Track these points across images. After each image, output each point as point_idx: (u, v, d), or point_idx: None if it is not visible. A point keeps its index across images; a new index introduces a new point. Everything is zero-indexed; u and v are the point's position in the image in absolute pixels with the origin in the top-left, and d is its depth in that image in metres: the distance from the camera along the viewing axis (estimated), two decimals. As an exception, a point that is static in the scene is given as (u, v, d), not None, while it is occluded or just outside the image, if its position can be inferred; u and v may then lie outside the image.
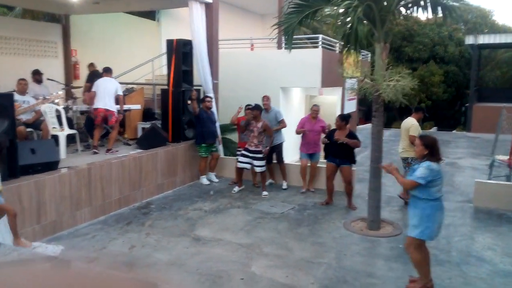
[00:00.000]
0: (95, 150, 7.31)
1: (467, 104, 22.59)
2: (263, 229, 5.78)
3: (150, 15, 13.64)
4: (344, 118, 6.85)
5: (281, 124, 7.94)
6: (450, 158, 13.49)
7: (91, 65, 9.71)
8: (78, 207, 5.86)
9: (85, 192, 5.98)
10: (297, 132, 7.74)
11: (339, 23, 5.48)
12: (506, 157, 8.98)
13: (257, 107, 7.46)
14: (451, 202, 7.74)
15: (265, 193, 7.48)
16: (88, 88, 8.48)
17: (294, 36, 6.56)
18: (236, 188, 7.68)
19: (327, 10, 5.70)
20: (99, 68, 8.82)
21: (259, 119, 7.39)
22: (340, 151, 6.70)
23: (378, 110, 5.75)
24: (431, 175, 3.92)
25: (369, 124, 24.96)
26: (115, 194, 6.53)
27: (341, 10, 5.28)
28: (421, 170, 3.96)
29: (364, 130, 19.84)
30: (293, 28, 6.11)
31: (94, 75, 9.22)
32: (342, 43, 6.09)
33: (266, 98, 8.06)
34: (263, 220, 6.15)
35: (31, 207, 5.20)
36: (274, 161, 8.09)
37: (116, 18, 11.74)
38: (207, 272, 4.49)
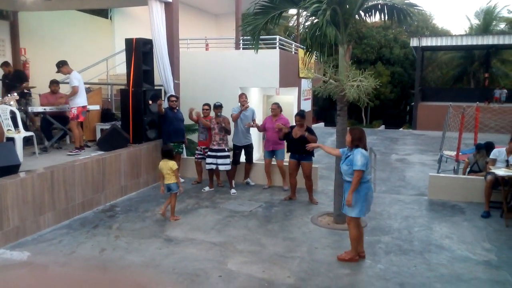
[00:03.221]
0: (82, 150, 7.43)
1: (412, 103, 23.91)
2: (234, 227, 5.85)
3: (103, 13, 13.27)
4: (303, 116, 7.17)
5: (254, 122, 7.99)
6: (399, 155, 14.25)
7: (6, 64, 8.97)
8: (42, 212, 5.64)
9: (48, 196, 5.76)
10: (259, 130, 8.09)
11: (307, 25, 5.65)
12: (453, 153, 9.65)
13: (216, 106, 7.67)
14: (405, 195, 8.23)
15: (233, 190, 7.57)
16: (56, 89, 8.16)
17: (249, 37, 6.67)
18: (207, 188, 7.72)
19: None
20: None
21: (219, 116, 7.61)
22: (299, 147, 6.87)
23: (342, 110, 6.00)
24: (365, 160, 4.54)
25: (321, 123, 25.63)
26: (79, 198, 6.33)
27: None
28: (359, 158, 4.51)
29: (317, 129, 20.42)
30: (259, 30, 6.23)
31: (19, 75, 8.85)
32: (304, 46, 6.30)
33: (245, 96, 8.09)
34: (232, 218, 6.23)
35: (-7, 213, 4.95)
36: (242, 161, 8.18)
37: (67, 16, 11.34)
38: (184, 271, 4.50)
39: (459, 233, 5.68)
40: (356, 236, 4.71)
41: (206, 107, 7.92)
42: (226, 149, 7.62)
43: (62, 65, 7.36)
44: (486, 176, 6.69)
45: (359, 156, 4.54)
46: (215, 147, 7.56)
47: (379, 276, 4.43)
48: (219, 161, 7.57)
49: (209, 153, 7.63)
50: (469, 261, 4.78)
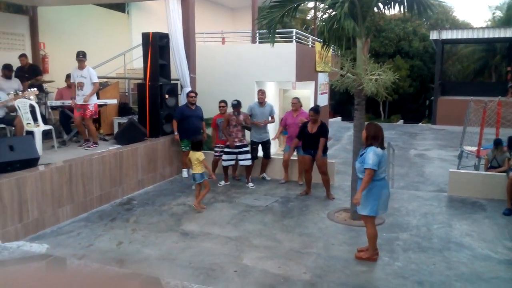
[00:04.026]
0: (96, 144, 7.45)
1: (431, 98, 23.48)
2: (249, 222, 5.84)
3: (120, 7, 13.32)
4: (318, 111, 7.06)
5: (272, 118, 8.07)
6: (418, 150, 14.01)
7: (24, 56, 8.87)
8: (60, 204, 5.72)
9: (67, 189, 5.84)
10: (282, 128, 8.06)
11: (324, 18, 5.56)
12: (474, 148, 9.43)
13: (238, 104, 7.51)
14: (424, 191, 8.09)
15: (251, 184, 7.60)
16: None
17: (265, 31, 6.63)
18: (222, 182, 7.72)
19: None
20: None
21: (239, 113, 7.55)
22: (313, 143, 6.86)
23: (360, 104, 5.90)
24: (377, 158, 4.43)
25: (338, 117, 25.39)
26: (97, 191, 6.40)
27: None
28: (370, 156, 4.42)
29: (334, 123, 20.27)
30: (276, 23, 6.16)
31: (34, 69, 8.85)
32: (321, 39, 6.21)
33: (261, 92, 8.08)
34: (248, 213, 6.21)
35: (13, 206, 5.04)
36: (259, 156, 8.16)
37: (85, 10, 11.41)
38: (199, 265, 4.51)
39: (480, 230, 5.55)
40: (373, 234, 4.64)
41: (223, 104, 7.83)
42: (247, 144, 7.62)
43: (84, 57, 7.26)
44: (508, 173, 6.52)
45: (371, 154, 4.46)
46: (237, 143, 7.52)
47: (397, 273, 4.36)
48: (240, 156, 7.56)
49: (226, 149, 7.59)
50: (490, 260, 4.67)
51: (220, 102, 7.88)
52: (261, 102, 7.99)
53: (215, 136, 7.97)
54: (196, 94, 8.23)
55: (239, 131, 7.52)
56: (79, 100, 7.18)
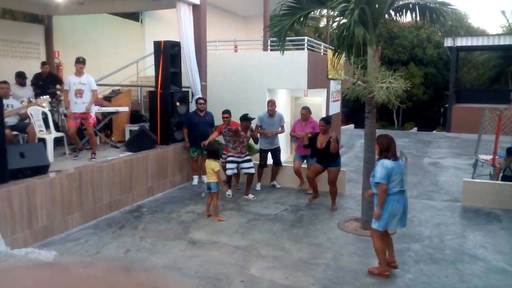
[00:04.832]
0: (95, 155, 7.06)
1: (446, 105, 23.16)
2: (258, 231, 5.78)
3: (134, 16, 13.49)
4: (328, 122, 6.81)
5: (281, 129, 8.00)
6: (432, 158, 13.79)
7: (44, 64, 8.96)
8: (70, 212, 5.74)
9: (76, 196, 5.86)
10: (291, 136, 7.88)
11: (335, 25, 5.52)
12: (489, 157, 9.24)
13: (247, 118, 7.25)
14: (438, 201, 7.92)
15: (251, 195, 7.36)
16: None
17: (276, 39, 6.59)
18: (230, 192, 7.48)
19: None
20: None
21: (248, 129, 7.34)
22: (325, 156, 6.67)
23: (371, 112, 5.82)
24: (385, 171, 4.30)
25: (351, 124, 25.25)
26: (106, 198, 6.42)
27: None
28: (378, 170, 4.34)
29: (347, 131, 20.12)
30: (286, 31, 6.14)
31: (53, 78, 8.92)
32: (333, 46, 6.16)
33: (271, 104, 7.96)
34: (257, 222, 6.15)
35: (22, 212, 5.07)
36: (269, 164, 8.07)
37: (99, 19, 11.57)
38: (206, 275, 4.46)
39: (495, 242, 5.39)
40: (377, 248, 4.44)
41: (226, 115, 7.55)
42: (249, 155, 7.53)
43: (84, 63, 7.01)
44: (524, 183, 6.35)
45: (378, 167, 4.36)
46: (242, 157, 7.34)
47: (408, 286, 4.25)
48: (244, 165, 7.38)
49: (230, 158, 7.36)
50: (506, 273, 4.52)
51: (224, 112, 7.60)
52: (270, 114, 7.92)
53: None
54: (205, 100, 8.23)
55: (244, 146, 7.34)
56: (80, 108, 6.87)
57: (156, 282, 1.03)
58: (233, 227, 5.92)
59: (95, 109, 7.36)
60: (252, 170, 7.42)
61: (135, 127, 8.57)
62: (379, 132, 5.82)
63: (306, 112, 7.72)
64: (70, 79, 6.99)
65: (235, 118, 7.70)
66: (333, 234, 5.69)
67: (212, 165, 6.22)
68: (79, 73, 6.94)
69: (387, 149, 4.42)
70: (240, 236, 5.59)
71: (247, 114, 7.33)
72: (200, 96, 8.63)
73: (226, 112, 7.64)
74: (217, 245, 5.28)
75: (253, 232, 5.73)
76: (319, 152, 6.73)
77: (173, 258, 4.90)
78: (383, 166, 4.34)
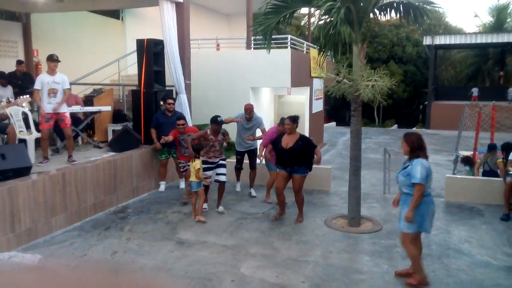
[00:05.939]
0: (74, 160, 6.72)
1: (425, 102, 23.60)
2: (246, 230, 5.76)
3: (114, 14, 13.28)
4: (295, 121, 6.01)
5: (262, 133, 7.34)
6: (413, 155, 13.99)
7: (21, 63, 8.74)
8: (53, 214, 5.61)
9: (60, 198, 5.74)
10: (264, 146, 6.79)
11: (320, 24, 5.54)
12: (469, 153, 9.44)
13: (216, 121, 6.38)
14: (421, 197, 8.04)
15: (221, 208, 6.53)
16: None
17: (260, 37, 6.55)
18: (206, 205, 6.60)
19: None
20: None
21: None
22: (291, 159, 5.90)
23: (356, 110, 5.87)
24: (426, 172, 3.99)
25: (333, 122, 25.43)
26: (90, 199, 6.30)
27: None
28: (418, 170, 3.97)
29: (329, 129, 20.27)
30: (272, 30, 6.13)
31: (30, 78, 8.57)
32: (316, 45, 6.18)
33: (249, 112, 7.30)
34: (245, 220, 6.14)
35: (5, 215, 4.93)
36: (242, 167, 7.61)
37: (79, 17, 11.35)
38: (196, 275, 4.43)
39: (478, 237, 5.51)
40: (415, 254, 4.15)
41: (182, 121, 7.05)
42: (225, 158, 6.74)
43: (58, 61, 6.55)
44: (505, 178, 6.50)
45: (419, 167, 3.96)
46: (217, 160, 6.53)
47: (396, 282, 4.30)
48: (220, 170, 6.50)
49: (204, 165, 6.39)
50: (490, 267, 4.63)
51: (178, 119, 7.12)
52: (248, 119, 7.34)
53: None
54: (175, 100, 7.95)
55: (217, 151, 6.50)
56: (54, 109, 6.40)
57: (146, 284, 1.00)
58: (221, 226, 5.89)
59: (76, 109, 7.18)
60: (223, 178, 6.46)
61: (118, 127, 8.43)
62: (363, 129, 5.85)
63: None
64: (42, 78, 6.45)
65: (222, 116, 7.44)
66: (320, 231, 5.72)
67: (193, 163, 6.20)
68: (52, 71, 6.43)
69: (420, 148, 4.09)
70: (229, 236, 5.57)
71: (218, 116, 6.43)
72: (185, 95, 8.52)
73: (182, 118, 7.20)
74: (205, 245, 5.24)
75: (241, 231, 5.72)
76: (284, 153, 5.94)
77: (162, 259, 4.85)
78: (423, 166, 3.98)
